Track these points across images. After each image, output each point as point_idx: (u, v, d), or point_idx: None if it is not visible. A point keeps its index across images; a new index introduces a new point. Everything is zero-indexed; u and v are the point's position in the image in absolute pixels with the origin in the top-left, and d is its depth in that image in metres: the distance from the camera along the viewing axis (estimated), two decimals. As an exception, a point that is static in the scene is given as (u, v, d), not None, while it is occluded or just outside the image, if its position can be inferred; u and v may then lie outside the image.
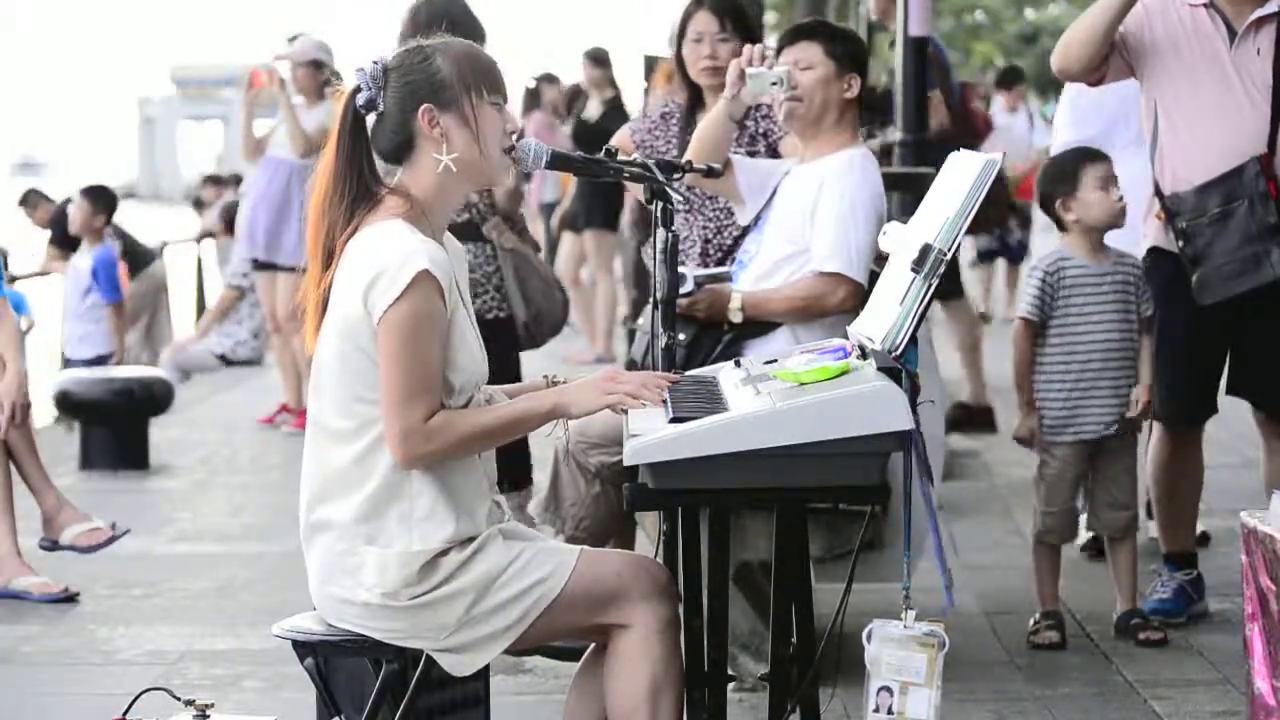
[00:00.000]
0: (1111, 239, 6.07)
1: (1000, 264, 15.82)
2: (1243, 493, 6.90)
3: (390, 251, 3.64)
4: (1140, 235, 6.06)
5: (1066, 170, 5.86)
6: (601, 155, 4.37)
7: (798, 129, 5.45)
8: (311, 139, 9.99)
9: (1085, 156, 5.87)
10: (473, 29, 6.66)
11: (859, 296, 5.09)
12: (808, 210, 5.32)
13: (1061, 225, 5.88)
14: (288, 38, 11.01)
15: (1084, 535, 6.78)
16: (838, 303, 5.25)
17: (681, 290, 4.94)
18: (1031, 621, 5.80)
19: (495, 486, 3.84)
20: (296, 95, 10.43)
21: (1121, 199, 5.79)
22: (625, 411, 3.78)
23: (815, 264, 5.30)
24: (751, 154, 5.87)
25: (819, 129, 5.41)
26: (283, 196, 10.44)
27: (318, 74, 10.29)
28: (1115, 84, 6.60)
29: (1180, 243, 5.76)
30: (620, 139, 6.17)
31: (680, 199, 4.38)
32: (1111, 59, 5.84)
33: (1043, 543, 5.85)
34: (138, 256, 14.11)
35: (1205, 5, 5.79)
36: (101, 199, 11.84)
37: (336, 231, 3.73)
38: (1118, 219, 5.81)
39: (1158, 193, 5.87)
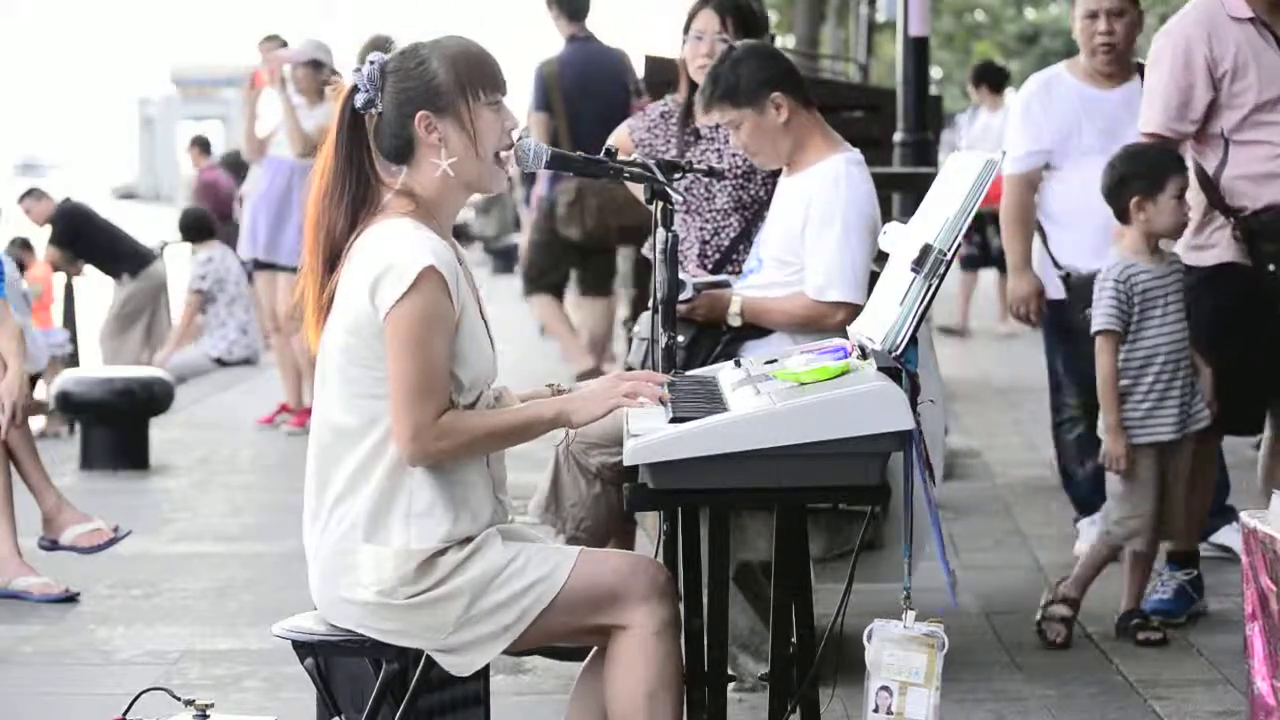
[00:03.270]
0: (1086, 246, 6.11)
1: (982, 273, 15.23)
2: (1243, 493, 6.89)
3: (397, 248, 3.64)
4: (1108, 240, 6.05)
5: (1153, 170, 5.72)
6: (601, 155, 4.37)
7: (775, 168, 5.48)
8: (311, 139, 9.99)
9: (1173, 163, 5.74)
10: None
11: (859, 314, 5.09)
12: (797, 226, 5.33)
13: (1123, 218, 5.76)
14: (260, 40, 10.91)
15: (1083, 546, 6.77)
16: (837, 324, 5.23)
17: (681, 297, 4.94)
18: (1046, 604, 5.80)
19: (503, 485, 3.83)
20: (297, 95, 10.43)
21: (1189, 213, 5.74)
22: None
23: (813, 292, 5.30)
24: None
25: (787, 155, 5.41)
26: (283, 196, 10.44)
27: (317, 74, 10.28)
28: (1064, 95, 6.68)
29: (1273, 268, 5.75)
30: (619, 138, 6.16)
31: (679, 200, 4.38)
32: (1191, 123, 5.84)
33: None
34: (138, 257, 14.13)
35: (1251, 20, 5.78)
36: None
37: (338, 233, 3.73)
38: (1180, 232, 5.78)
39: (1223, 209, 5.83)
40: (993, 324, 15.20)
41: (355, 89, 3.76)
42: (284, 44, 14.76)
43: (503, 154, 3.81)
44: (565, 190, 9.98)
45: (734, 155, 5.76)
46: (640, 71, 9.61)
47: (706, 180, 5.76)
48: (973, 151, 3.97)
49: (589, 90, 9.91)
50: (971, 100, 14.92)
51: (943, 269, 3.70)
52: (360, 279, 3.66)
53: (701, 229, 5.82)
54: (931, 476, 3.78)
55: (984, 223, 13.54)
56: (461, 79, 3.74)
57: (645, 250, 6.56)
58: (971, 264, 15.00)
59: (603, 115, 9.03)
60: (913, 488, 3.73)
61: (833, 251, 5.28)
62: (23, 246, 13.71)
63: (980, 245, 14.55)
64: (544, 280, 10.30)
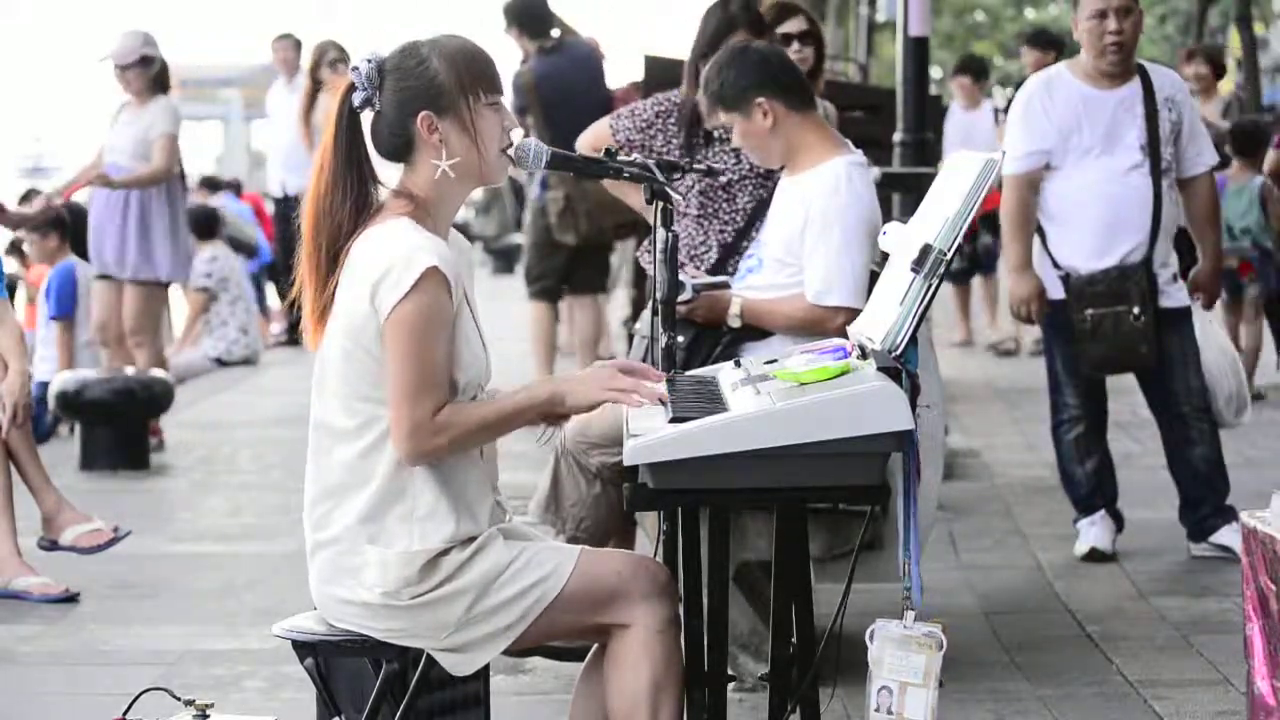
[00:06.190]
0: (1086, 246, 6.11)
1: (975, 282, 14.36)
2: (1243, 493, 6.90)
3: (397, 249, 3.64)
4: (1108, 240, 6.08)
5: None
6: (602, 155, 4.36)
7: (775, 167, 5.50)
8: (157, 175, 9.58)
9: None
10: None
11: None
12: (797, 228, 5.33)
13: None
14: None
15: (1083, 546, 6.79)
16: (836, 328, 5.23)
17: (680, 298, 4.94)
18: None
19: (498, 486, 3.84)
20: (128, 96, 9.89)
21: None
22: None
23: (812, 296, 5.30)
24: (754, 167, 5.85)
25: (782, 157, 5.41)
26: (125, 206, 9.73)
27: (148, 70, 9.87)
28: (1065, 96, 6.70)
29: None
30: (598, 133, 6.08)
31: (680, 200, 4.37)
32: None
33: None
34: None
35: None
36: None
37: (340, 233, 3.72)
38: None
39: None
40: (982, 330, 14.69)
41: (352, 87, 3.76)
42: (297, 43, 14.64)
43: (503, 154, 3.80)
44: (554, 199, 9.97)
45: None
46: (641, 70, 9.60)
47: (724, 183, 5.75)
48: (973, 151, 3.96)
49: (570, 101, 9.86)
50: (945, 97, 14.10)
51: (943, 269, 3.70)
52: (360, 282, 3.66)
53: (720, 232, 5.79)
54: (918, 477, 3.77)
55: (976, 233, 13.18)
56: (463, 79, 3.73)
57: (642, 253, 6.52)
58: (963, 276, 14.31)
59: (587, 123, 9.05)
60: (910, 488, 3.73)
61: (833, 256, 5.27)
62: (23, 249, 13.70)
63: (969, 255, 13.90)
64: (541, 284, 10.29)
